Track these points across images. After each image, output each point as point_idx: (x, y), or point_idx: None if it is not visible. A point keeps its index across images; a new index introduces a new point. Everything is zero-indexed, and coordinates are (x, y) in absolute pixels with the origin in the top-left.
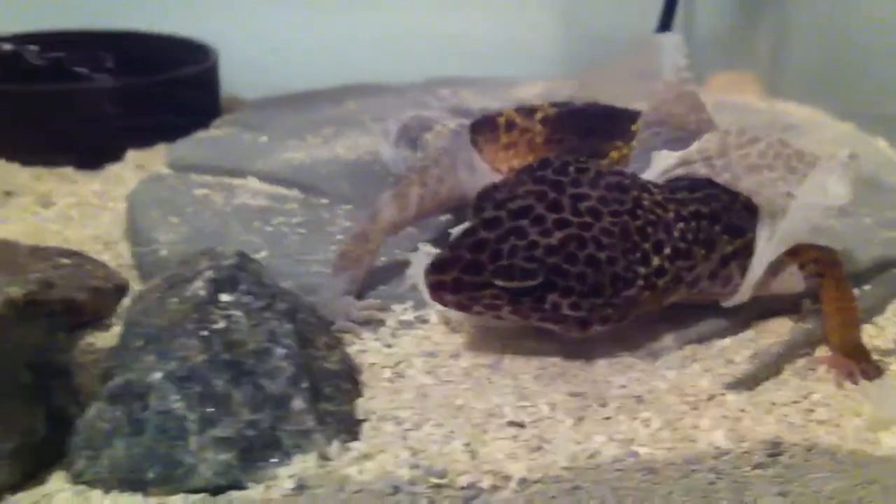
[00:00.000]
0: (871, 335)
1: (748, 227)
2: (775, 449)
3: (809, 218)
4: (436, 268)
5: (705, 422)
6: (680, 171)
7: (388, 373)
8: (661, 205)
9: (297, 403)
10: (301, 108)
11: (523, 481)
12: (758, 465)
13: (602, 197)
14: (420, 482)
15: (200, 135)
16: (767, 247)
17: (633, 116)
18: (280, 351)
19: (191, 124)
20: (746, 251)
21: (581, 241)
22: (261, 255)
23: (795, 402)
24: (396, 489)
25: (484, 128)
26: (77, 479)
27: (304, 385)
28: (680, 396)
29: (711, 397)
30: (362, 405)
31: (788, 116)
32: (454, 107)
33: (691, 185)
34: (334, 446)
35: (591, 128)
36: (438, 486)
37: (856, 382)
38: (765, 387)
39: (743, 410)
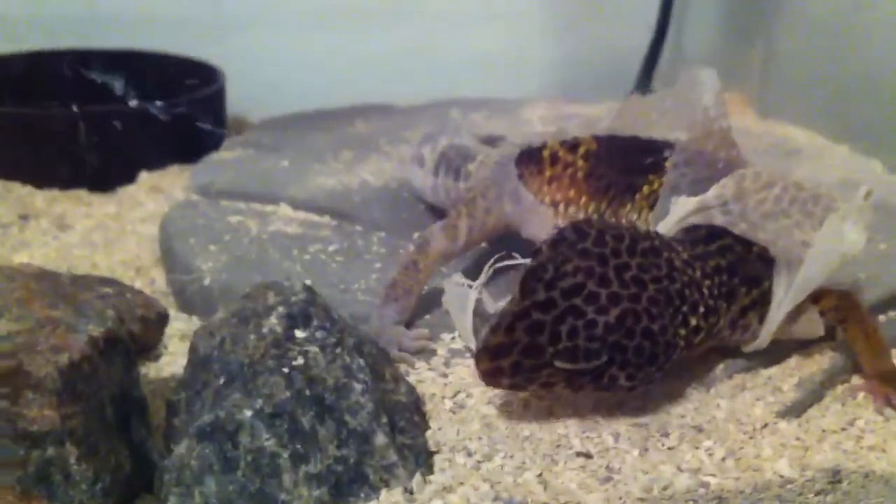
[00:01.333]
0: None
1: (764, 277)
2: (835, 477)
3: (826, 266)
4: (490, 353)
5: (766, 451)
6: (696, 219)
7: (448, 403)
8: (689, 264)
9: (380, 438)
10: (312, 130)
11: None
12: (819, 493)
13: (640, 264)
14: None
15: (217, 157)
16: (785, 296)
17: (665, 149)
18: (358, 386)
19: (201, 145)
20: (764, 300)
21: (635, 314)
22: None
23: (844, 428)
24: None
25: (529, 160)
26: None
27: (384, 420)
28: (737, 425)
29: (765, 425)
30: (431, 437)
31: (788, 141)
32: (466, 131)
33: (707, 236)
34: (416, 480)
35: (627, 163)
36: None
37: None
38: (810, 414)
39: (798, 438)
